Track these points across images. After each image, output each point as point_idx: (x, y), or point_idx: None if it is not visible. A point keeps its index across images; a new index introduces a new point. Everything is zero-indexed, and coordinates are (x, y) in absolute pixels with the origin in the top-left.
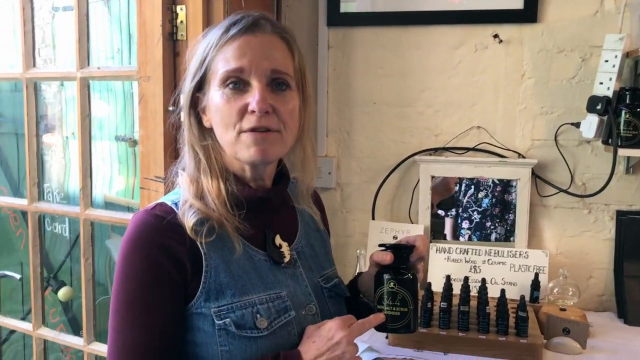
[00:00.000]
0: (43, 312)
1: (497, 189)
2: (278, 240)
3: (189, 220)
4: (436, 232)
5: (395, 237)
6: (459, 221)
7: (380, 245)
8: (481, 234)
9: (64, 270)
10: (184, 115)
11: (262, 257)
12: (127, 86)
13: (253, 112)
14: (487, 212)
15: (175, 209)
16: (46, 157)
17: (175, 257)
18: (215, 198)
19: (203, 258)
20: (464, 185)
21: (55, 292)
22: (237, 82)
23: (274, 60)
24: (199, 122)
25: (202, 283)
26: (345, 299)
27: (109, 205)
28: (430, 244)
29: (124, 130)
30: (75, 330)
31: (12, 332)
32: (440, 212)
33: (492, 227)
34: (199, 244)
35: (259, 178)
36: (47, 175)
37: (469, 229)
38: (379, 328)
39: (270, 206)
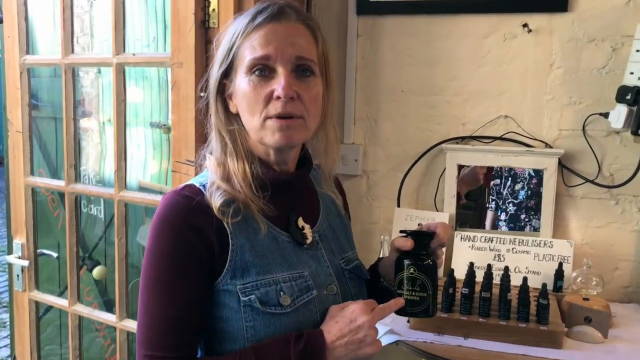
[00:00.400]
0: (78, 290)
1: (533, 181)
2: (301, 222)
3: (216, 201)
4: (462, 221)
5: (419, 225)
6: (499, 213)
7: (401, 232)
8: (515, 225)
9: (99, 251)
10: (211, 101)
11: (286, 238)
12: (162, 74)
13: (279, 98)
14: (523, 205)
15: (203, 190)
16: (83, 143)
17: (203, 235)
18: (242, 180)
19: (229, 237)
20: (503, 177)
21: (90, 271)
22: (263, 69)
23: (298, 47)
24: (226, 107)
25: (228, 261)
26: (366, 282)
27: (143, 190)
28: (455, 232)
29: (159, 117)
30: (109, 308)
31: (50, 308)
32: (472, 202)
33: (526, 219)
34: (225, 224)
35: (282, 162)
36: (84, 159)
37: (505, 220)
38: (399, 312)
39: (294, 189)
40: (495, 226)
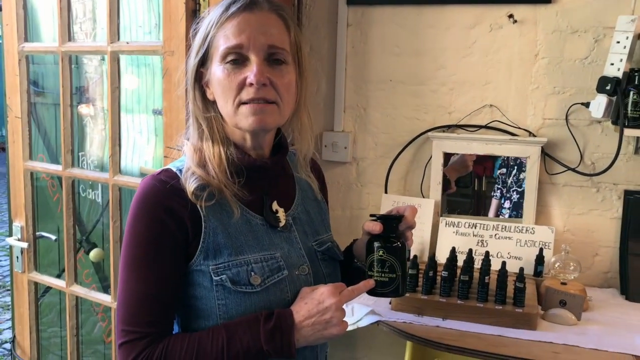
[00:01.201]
0: (75, 271)
1: None
2: (275, 206)
3: (190, 185)
4: (460, 209)
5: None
6: (502, 201)
7: (371, 216)
8: (517, 213)
9: (97, 235)
10: (188, 89)
11: (259, 221)
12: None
13: (251, 84)
14: None
15: (179, 174)
16: (87, 129)
17: (177, 218)
18: (217, 166)
19: (202, 220)
20: (509, 166)
21: (87, 253)
22: (236, 58)
23: (270, 36)
24: (203, 95)
25: (201, 243)
26: (341, 263)
27: (144, 175)
28: (440, 218)
29: (161, 104)
30: (107, 291)
31: (48, 289)
32: (468, 190)
33: None
34: (199, 207)
35: (258, 147)
36: (87, 144)
37: (508, 208)
38: (370, 292)
39: (269, 174)
40: (499, 214)
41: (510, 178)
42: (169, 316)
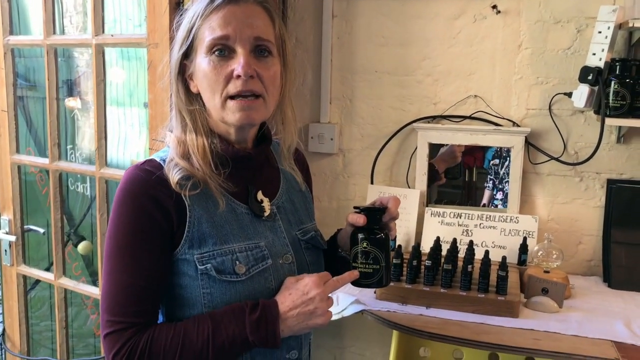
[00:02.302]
0: (64, 264)
1: None
2: (260, 196)
3: (174, 176)
4: (449, 199)
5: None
6: (495, 192)
7: (354, 208)
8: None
9: (86, 228)
10: (172, 81)
11: (244, 210)
12: None
13: (239, 76)
14: None
15: (163, 164)
16: (79, 122)
17: (162, 207)
18: (200, 159)
19: (187, 209)
20: (502, 157)
21: (76, 246)
22: (222, 49)
23: (256, 28)
24: (187, 88)
25: (185, 232)
26: (325, 253)
27: None
28: (426, 208)
29: None
30: (96, 283)
31: (37, 282)
32: (457, 181)
33: None
34: (183, 196)
35: (242, 140)
36: (79, 138)
37: (501, 199)
38: (354, 283)
39: (253, 164)
40: (491, 205)
41: (503, 169)
42: (155, 306)
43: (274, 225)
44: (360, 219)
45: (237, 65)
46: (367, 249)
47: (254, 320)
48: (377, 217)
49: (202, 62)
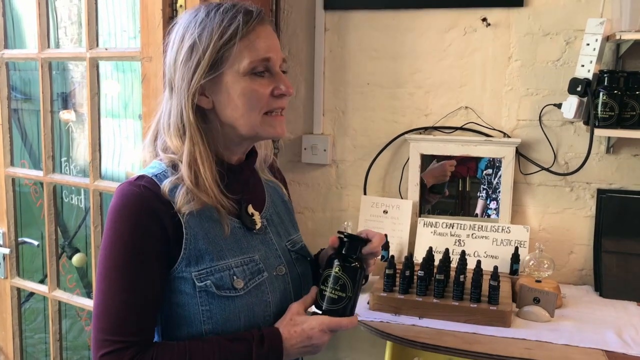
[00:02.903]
0: (58, 276)
1: None
2: (250, 209)
3: (178, 197)
4: (442, 209)
5: (385, 212)
6: (488, 202)
7: (338, 232)
8: None
9: (80, 240)
10: (183, 99)
11: (237, 224)
12: None
13: (283, 95)
14: None
15: (156, 180)
16: (74, 134)
17: (160, 222)
18: (212, 184)
19: (183, 226)
20: (495, 167)
21: (70, 258)
22: (262, 70)
23: (279, 49)
24: (194, 104)
25: (182, 250)
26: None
27: None
28: (419, 218)
29: None
30: (90, 296)
31: (31, 294)
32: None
33: None
34: (179, 213)
35: (241, 153)
36: (74, 150)
37: (495, 209)
38: (316, 305)
39: (242, 178)
40: (484, 215)
41: (496, 179)
42: (153, 324)
43: (265, 238)
44: (336, 241)
45: (281, 84)
46: (338, 275)
47: (261, 354)
48: (358, 246)
49: (238, 82)
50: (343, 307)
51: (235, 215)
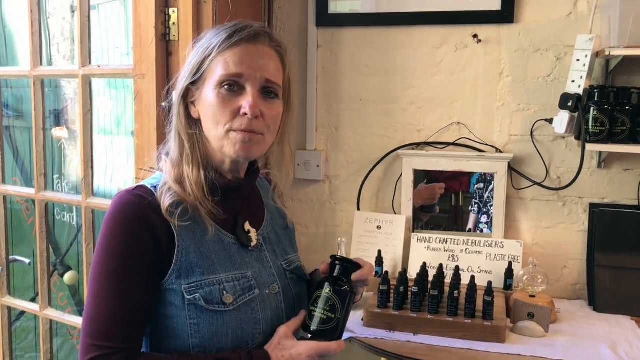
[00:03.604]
0: (49, 294)
1: None
2: (247, 226)
3: (165, 200)
4: (435, 224)
5: (379, 227)
6: (480, 216)
7: (331, 257)
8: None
9: (72, 257)
10: (175, 104)
11: (232, 240)
12: None
13: (245, 114)
14: None
15: (154, 191)
16: (67, 151)
17: (154, 232)
18: (194, 183)
19: (176, 238)
20: (486, 181)
21: (62, 276)
22: (233, 85)
23: (268, 70)
24: (187, 112)
25: (174, 262)
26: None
27: None
28: (412, 234)
29: None
30: (82, 313)
31: (22, 313)
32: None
33: None
34: (172, 225)
35: (235, 171)
36: (66, 167)
37: (486, 223)
38: (304, 328)
39: (242, 194)
40: (477, 229)
41: (487, 193)
42: (141, 333)
43: (260, 255)
44: (326, 266)
45: (246, 103)
46: (329, 295)
47: None
48: (349, 270)
49: (209, 93)
50: (332, 328)
51: (231, 231)
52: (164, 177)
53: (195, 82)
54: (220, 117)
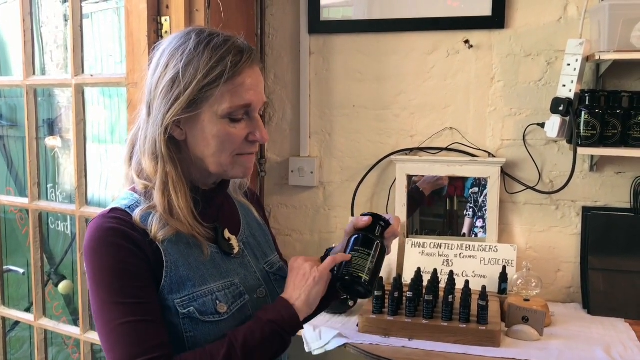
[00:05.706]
0: (44, 304)
1: None
2: (227, 234)
3: (155, 227)
4: (430, 229)
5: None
6: (475, 220)
7: (362, 215)
8: None
9: (67, 266)
10: (158, 128)
11: (214, 249)
12: None
13: (255, 141)
14: None
15: (129, 211)
16: (61, 160)
17: (140, 248)
18: (187, 215)
19: (163, 254)
20: (481, 185)
21: (56, 286)
22: (241, 115)
23: (262, 93)
24: (170, 135)
25: (164, 278)
26: None
27: None
28: (406, 239)
29: None
30: (76, 323)
31: (17, 323)
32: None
33: None
34: (157, 242)
35: (212, 183)
36: (61, 176)
37: (481, 227)
38: (339, 277)
39: (216, 202)
40: (472, 233)
41: (482, 197)
42: (167, 337)
43: (243, 261)
44: (365, 219)
45: (257, 131)
46: (369, 237)
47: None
48: (382, 225)
49: (212, 124)
50: (367, 273)
51: (212, 241)
52: (142, 202)
53: (189, 106)
54: (228, 146)
